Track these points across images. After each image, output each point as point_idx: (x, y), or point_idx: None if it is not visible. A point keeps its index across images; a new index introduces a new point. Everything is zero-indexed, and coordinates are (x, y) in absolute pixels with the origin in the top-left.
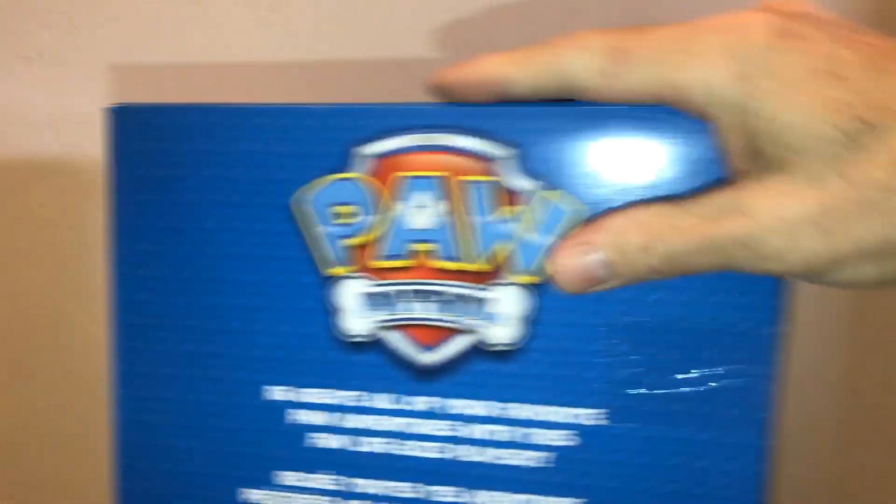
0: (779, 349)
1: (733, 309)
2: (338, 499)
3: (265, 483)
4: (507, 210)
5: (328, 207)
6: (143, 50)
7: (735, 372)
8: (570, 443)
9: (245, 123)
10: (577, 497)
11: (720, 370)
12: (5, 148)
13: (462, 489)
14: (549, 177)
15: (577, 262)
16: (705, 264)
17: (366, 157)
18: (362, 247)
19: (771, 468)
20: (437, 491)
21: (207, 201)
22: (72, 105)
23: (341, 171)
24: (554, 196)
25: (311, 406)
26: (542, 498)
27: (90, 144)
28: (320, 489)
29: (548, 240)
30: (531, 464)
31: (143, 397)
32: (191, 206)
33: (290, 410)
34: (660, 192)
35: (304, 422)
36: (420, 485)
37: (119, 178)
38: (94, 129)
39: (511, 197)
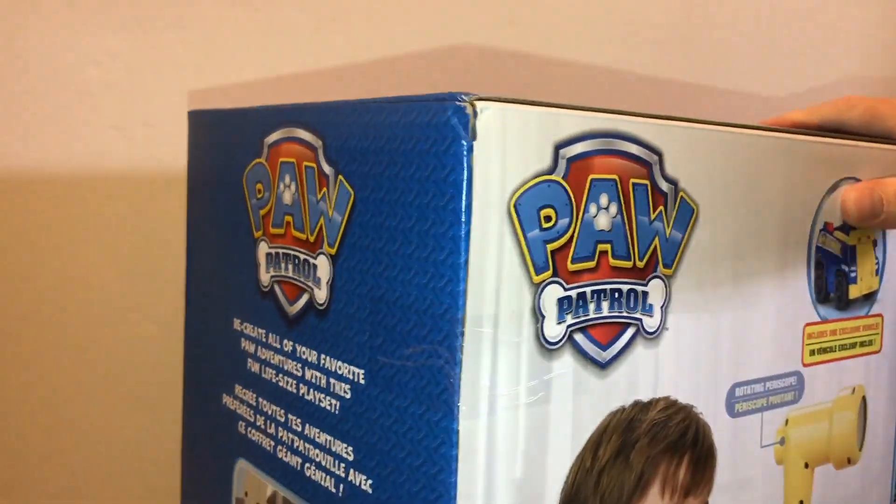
0: (469, 334)
1: (433, 292)
2: (254, 413)
3: (231, 392)
4: (321, 192)
5: (254, 185)
6: (208, 57)
7: (434, 352)
8: (348, 396)
9: (217, 122)
10: (350, 444)
11: (425, 348)
12: (73, 150)
13: (303, 422)
14: (339, 163)
15: (864, 196)
16: None
17: (267, 145)
18: (266, 216)
19: (476, 452)
20: (292, 420)
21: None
22: (140, 109)
23: (258, 157)
24: (341, 181)
25: (247, 337)
26: (334, 440)
27: (156, 147)
28: (249, 402)
29: (340, 219)
30: (331, 409)
31: (191, 328)
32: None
33: (241, 339)
34: (422, 182)
35: (245, 349)
36: (285, 412)
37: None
38: (160, 132)
39: (323, 180)
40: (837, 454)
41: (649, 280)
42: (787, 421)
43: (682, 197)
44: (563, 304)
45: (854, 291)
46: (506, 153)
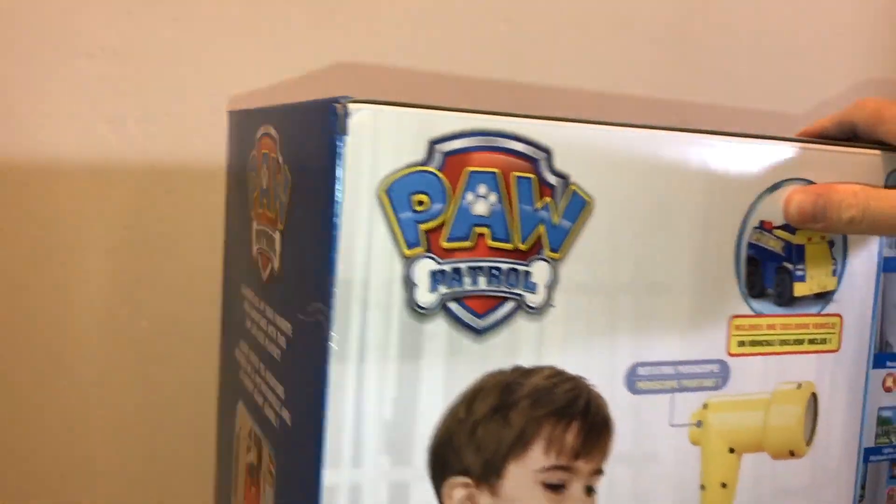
0: (339, 294)
1: (321, 259)
2: (246, 361)
3: (238, 345)
4: (278, 178)
5: (250, 172)
6: (203, 51)
7: (320, 310)
8: (284, 347)
9: (239, 120)
10: (283, 386)
11: (317, 307)
12: (64, 143)
13: (265, 368)
14: (285, 154)
15: (807, 199)
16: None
17: (256, 139)
18: (256, 199)
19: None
20: (262, 367)
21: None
22: (132, 101)
23: (252, 149)
24: (286, 169)
25: (247, 299)
26: (276, 382)
27: (149, 140)
28: (245, 353)
29: (285, 200)
30: (276, 357)
31: (224, 294)
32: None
33: (244, 301)
34: (317, 170)
35: (245, 309)
36: (259, 360)
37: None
38: (153, 125)
39: (279, 168)
40: (776, 445)
41: (532, 261)
42: (705, 405)
43: (573, 190)
44: (436, 276)
45: (802, 289)
46: (377, 147)
